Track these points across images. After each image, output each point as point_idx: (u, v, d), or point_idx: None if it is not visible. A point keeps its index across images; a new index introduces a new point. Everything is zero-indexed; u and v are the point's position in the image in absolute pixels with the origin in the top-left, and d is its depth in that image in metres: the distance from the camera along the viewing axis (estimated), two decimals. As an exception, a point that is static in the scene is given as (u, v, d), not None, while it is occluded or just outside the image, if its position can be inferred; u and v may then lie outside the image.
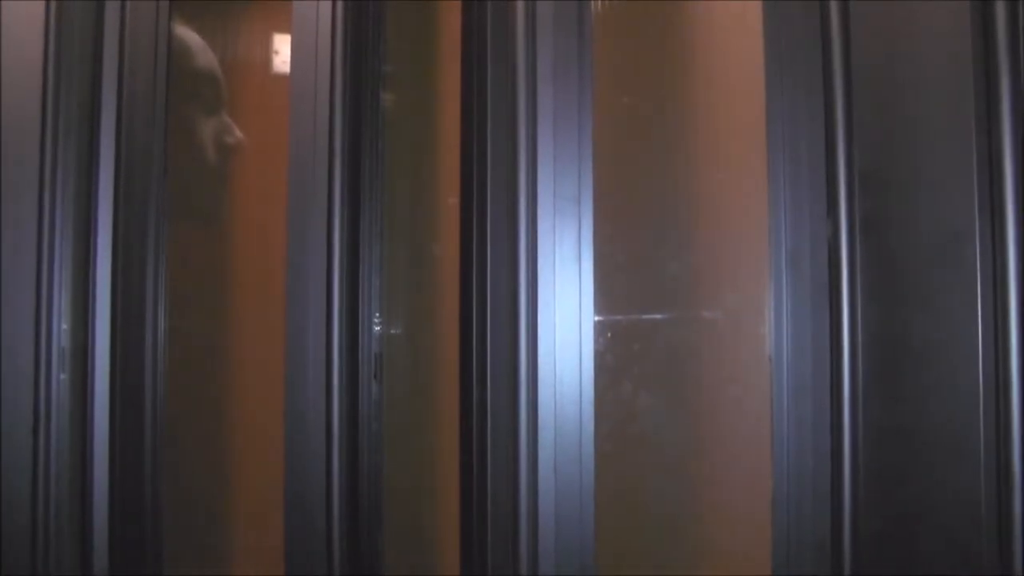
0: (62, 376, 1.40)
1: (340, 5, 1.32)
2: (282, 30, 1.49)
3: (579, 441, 1.14)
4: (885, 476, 1.03)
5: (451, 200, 1.30)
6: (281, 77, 1.46)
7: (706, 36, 1.25)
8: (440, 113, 1.41)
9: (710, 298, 1.16)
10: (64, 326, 1.39)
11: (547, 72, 1.14)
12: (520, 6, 1.16)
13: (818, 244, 1.08)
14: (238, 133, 1.44)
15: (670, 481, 1.19)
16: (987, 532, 0.95)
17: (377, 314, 1.36)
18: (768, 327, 1.09)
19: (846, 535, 1.06)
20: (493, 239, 1.17)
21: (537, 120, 1.15)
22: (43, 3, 1.39)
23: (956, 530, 0.99)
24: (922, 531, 1.01)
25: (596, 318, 1.13)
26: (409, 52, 1.43)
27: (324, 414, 1.32)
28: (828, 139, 1.09)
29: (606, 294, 1.17)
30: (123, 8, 1.42)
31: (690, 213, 1.17)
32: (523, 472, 1.16)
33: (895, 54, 1.03)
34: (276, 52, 1.57)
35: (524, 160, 1.16)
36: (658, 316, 1.20)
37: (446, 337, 1.30)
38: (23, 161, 1.38)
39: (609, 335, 1.21)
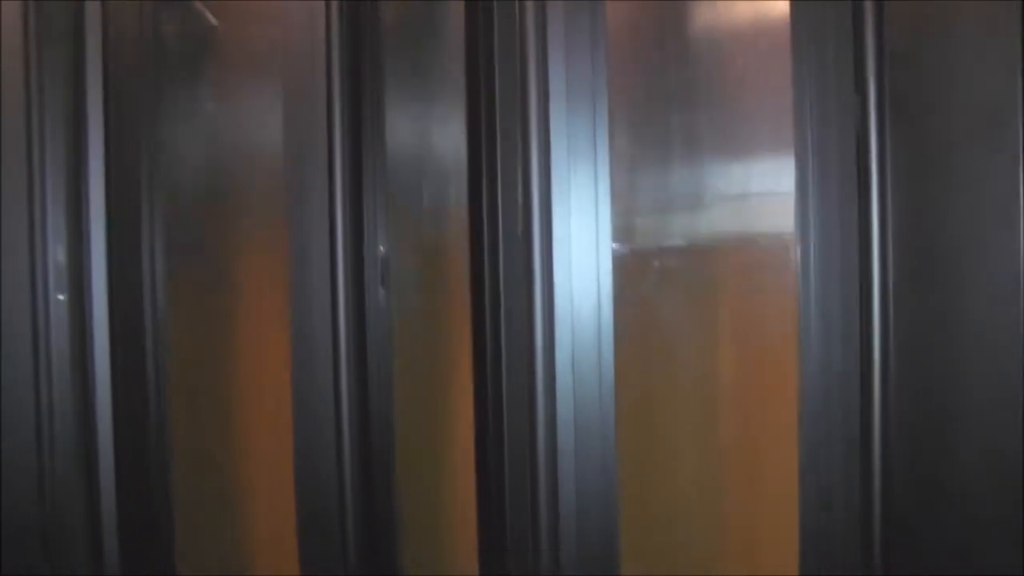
0: (60, 297, 1.36)
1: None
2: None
3: (598, 347, 1.10)
4: (917, 371, 1.00)
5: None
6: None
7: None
8: (441, 15, 1.34)
9: (733, 187, 1.10)
10: (59, 247, 1.34)
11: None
12: None
13: (846, 130, 1.02)
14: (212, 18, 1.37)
15: (694, 387, 1.15)
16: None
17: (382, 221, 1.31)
18: (794, 220, 1.04)
19: (876, 432, 1.02)
20: (503, 135, 1.12)
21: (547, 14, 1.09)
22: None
23: (991, 428, 0.95)
24: (956, 429, 0.97)
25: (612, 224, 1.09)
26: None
27: (330, 322, 1.28)
28: (856, 18, 1.02)
29: (623, 196, 1.12)
30: None
31: (712, 102, 1.11)
32: (539, 384, 1.12)
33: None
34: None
35: (534, 54, 1.10)
36: (681, 212, 1.15)
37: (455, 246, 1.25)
38: (9, 75, 1.32)
39: (630, 241, 1.16)
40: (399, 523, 1.30)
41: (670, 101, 1.12)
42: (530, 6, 1.10)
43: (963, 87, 0.95)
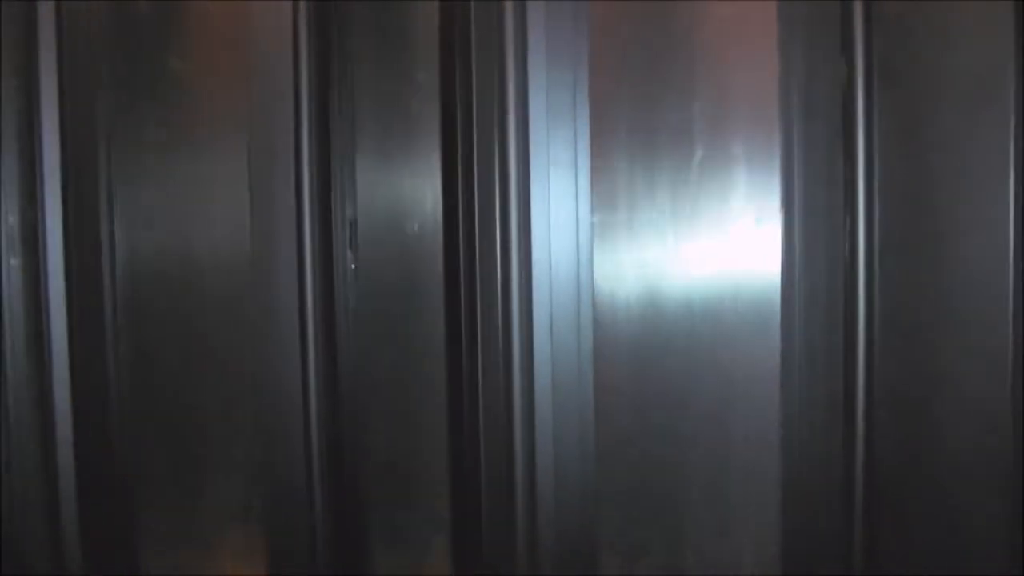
0: (13, 261, 1.30)
1: None
2: None
3: (577, 315, 1.07)
4: (902, 334, 0.98)
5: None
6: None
7: None
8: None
9: (718, 149, 1.07)
10: (11, 211, 1.29)
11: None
12: None
13: (832, 94, 0.99)
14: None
15: (676, 334, 1.12)
16: (1013, 394, 0.90)
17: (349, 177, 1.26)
18: (779, 187, 1.01)
19: (859, 393, 1.00)
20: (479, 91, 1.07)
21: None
22: None
23: (977, 397, 0.94)
24: (942, 398, 0.96)
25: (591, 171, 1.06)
26: None
27: (296, 291, 1.24)
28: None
29: (603, 139, 1.08)
30: None
31: (694, 58, 1.07)
32: (516, 354, 1.09)
33: None
34: None
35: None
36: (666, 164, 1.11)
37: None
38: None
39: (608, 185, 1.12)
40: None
41: (653, 62, 1.08)
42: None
43: (953, 51, 0.92)
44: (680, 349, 1.08)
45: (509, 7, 1.05)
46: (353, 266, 1.25)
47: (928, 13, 0.94)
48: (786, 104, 1.00)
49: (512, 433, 1.10)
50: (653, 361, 1.09)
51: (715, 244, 1.06)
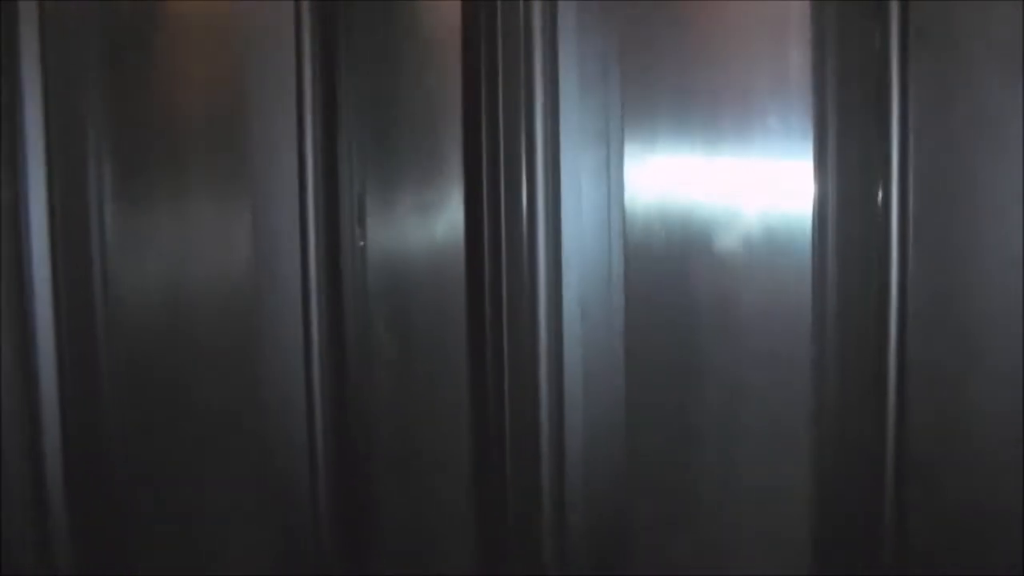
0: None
1: None
2: None
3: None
4: (935, 304, 0.99)
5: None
6: None
7: None
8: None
9: (750, 112, 1.05)
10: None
11: None
12: None
13: (868, 57, 0.99)
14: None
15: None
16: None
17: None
18: (812, 153, 1.01)
19: (891, 368, 1.02)
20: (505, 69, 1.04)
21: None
22: None
23: (1013, 362, 0.96)
24: (976, 364, 0.97)
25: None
26: None
27: (300, 270, 1.19)
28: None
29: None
30: None
31: (727, 26, 1.05)
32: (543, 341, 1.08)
33: None
34: None
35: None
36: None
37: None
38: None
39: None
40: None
41: (684, 31, 1.06)
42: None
43: (990, 18, 0.93)
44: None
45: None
46: (362, 243, 1.21)
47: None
48: (820, 69, 1.00)
49: (539, 424, 1.09)
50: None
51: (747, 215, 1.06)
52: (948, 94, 0.96)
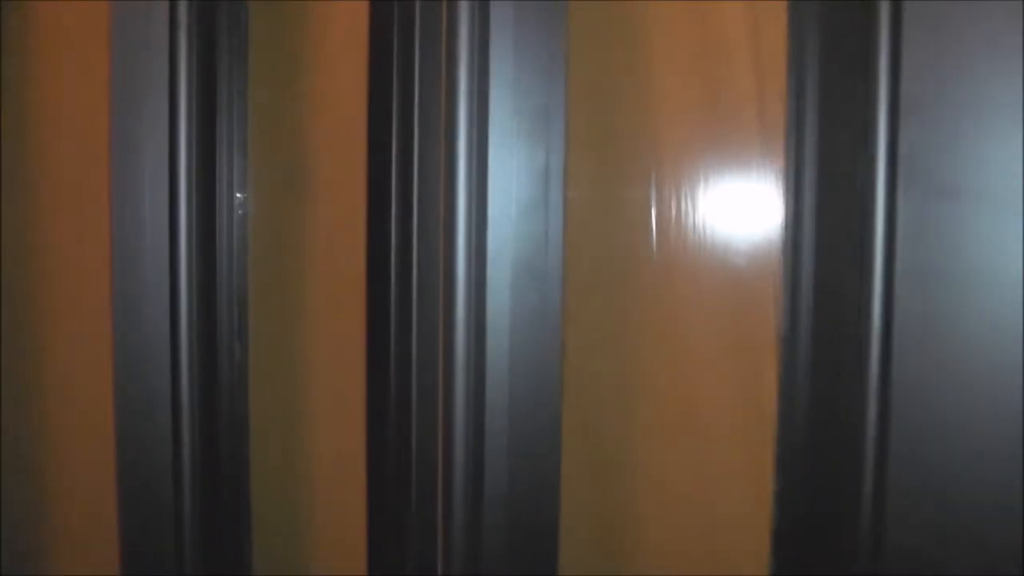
0: None
1: None
2: None
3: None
4: (921, 304, 0.84)
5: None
6: None
7: None
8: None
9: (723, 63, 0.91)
10: None
11: None
12: None
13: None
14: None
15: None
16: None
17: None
18: (788, 109, 0.87)
19: (873, 355, 0.84)
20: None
21: None
22: None
23: (997, 358, 0.81)
24: (961, 358, 0.82)
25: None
26: None
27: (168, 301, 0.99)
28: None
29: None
30: None
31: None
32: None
33: None
34: None
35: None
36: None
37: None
38: None
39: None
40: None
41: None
42: None
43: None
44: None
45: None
46: (241, 212, 1.03)
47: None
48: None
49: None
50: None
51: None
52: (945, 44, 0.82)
